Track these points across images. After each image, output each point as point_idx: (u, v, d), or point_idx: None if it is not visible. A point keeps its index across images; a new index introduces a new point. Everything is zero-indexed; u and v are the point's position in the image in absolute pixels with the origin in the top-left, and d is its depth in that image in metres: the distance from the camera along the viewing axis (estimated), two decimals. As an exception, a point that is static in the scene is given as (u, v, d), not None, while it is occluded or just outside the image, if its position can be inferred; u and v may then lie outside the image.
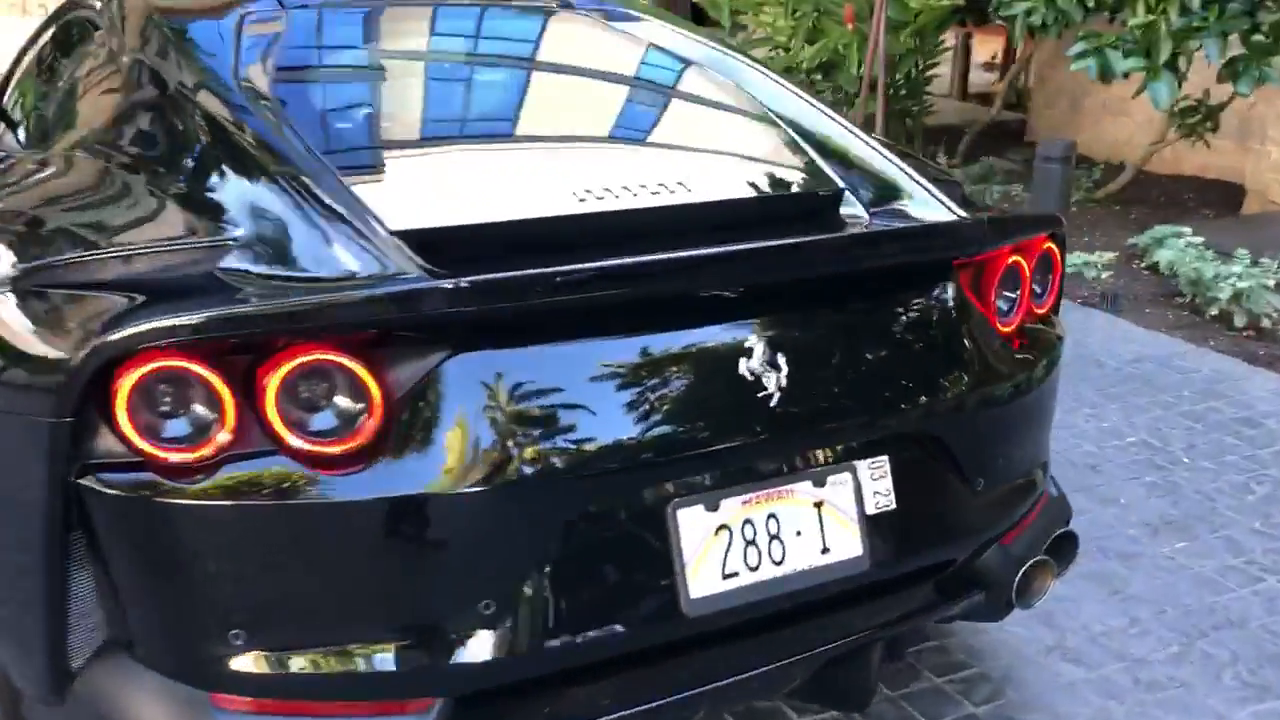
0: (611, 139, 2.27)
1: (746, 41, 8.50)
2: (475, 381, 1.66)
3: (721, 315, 1.84)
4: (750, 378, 1.80)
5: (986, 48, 12.68)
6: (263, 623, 1.61)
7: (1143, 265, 5.92)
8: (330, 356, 1.59)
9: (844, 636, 1.98)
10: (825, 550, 1.91)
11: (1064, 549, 2.35)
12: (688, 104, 2.49)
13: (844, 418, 1.92)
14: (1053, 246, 2.33)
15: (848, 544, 1.93)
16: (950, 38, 11.69)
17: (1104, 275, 5.53)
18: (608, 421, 1.72)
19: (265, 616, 1.62)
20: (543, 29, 2.58)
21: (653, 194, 1.96)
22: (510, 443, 1.65)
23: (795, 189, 2.17)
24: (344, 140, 2.07)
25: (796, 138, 2.33)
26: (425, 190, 1.96)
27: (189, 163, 1.97)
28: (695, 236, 1.85)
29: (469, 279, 1.61)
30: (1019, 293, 2.23)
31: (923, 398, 2.00)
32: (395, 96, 2.25)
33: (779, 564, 1.87)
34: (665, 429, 1.76)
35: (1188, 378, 4.55)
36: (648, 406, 1.75)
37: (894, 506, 1.98)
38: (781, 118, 2.40)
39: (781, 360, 1.83)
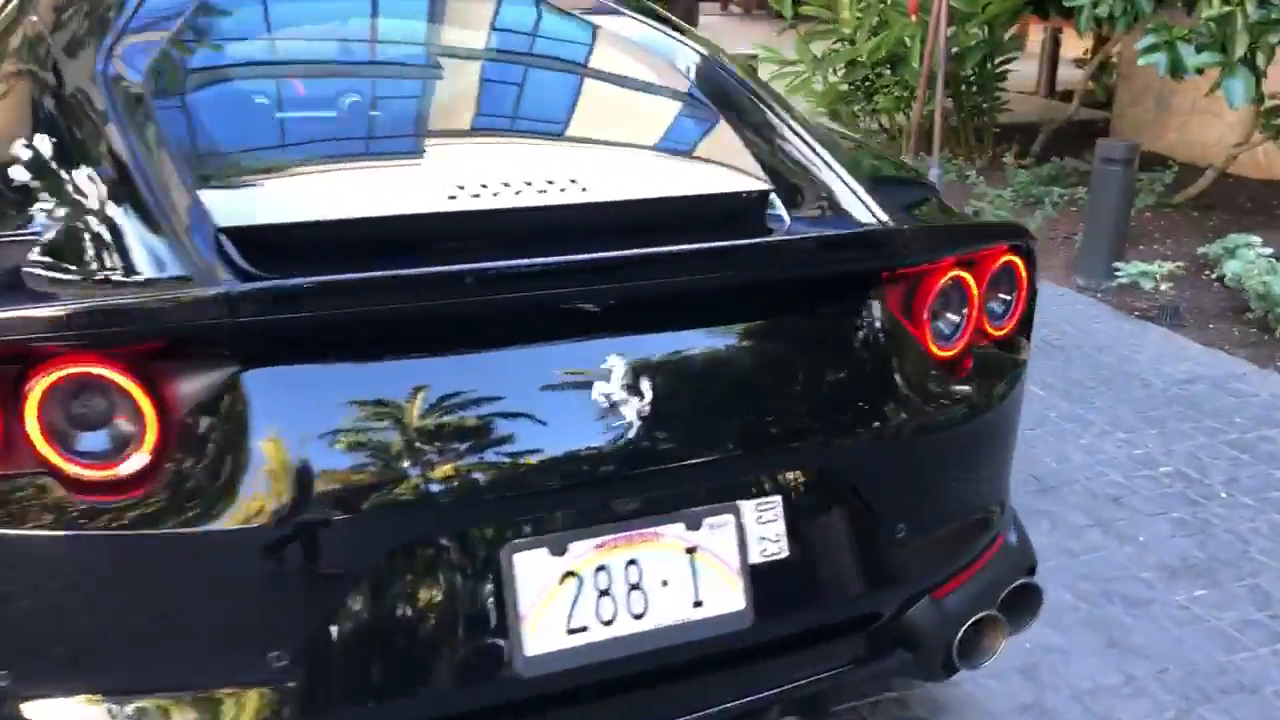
0: (512, 131, 2.05)
1: (810, 34, 8.19)
2: (273, 402, 1.46)
3: (581, 331, 1.62)
4: (608, 404, 1.57)
5: (1079, 43, 12.11)
6: (22, 663, 1.44)
7: (1213, 276, 5.49)
8: (98, 369, 1.40)
9: (726, 701, 1.74)
10: (698, 603, 1.67)
11: (1022, 603, 2.06)
12: (611, 94, 2.26)
13: (726, 452, 1.67)
14: (1016, 260, 2.04)
15: (727, 596, 1.69)
16: (1037, 32, 11.21)
17: (1163, 286, 5.12)
18: (430, 450, 1.51)
19: (25, 656, 1.44)
20: (458, 8, 2.37)
21: (540, 192, 1.74)
22: (311, 472, 1.45)
23: (705, 190, 1.92)
24: (211, 129, 1.88)
25: (730, 133, 2.08)
26: (287, 184, 1.76)
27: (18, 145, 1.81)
28: (568, 240, 1.63)
29: (254, 284, 1.42)
30: (965, 312, 1.96)
31: (826, 431, 1.74)
32: (279, 83, 2.06)
33: (639, 618, 1.63)
34: (501, 461, 1.54)
35: (1243, 402, 4.15)
36: (480, 434, 1.53)
37: (785, 555, 1.72)
38: (722, 110, 2.15)
39: (648, 385, 1.59)
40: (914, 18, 7.19)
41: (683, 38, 2.44)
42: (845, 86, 8.28)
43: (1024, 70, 11.20)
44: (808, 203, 1.93)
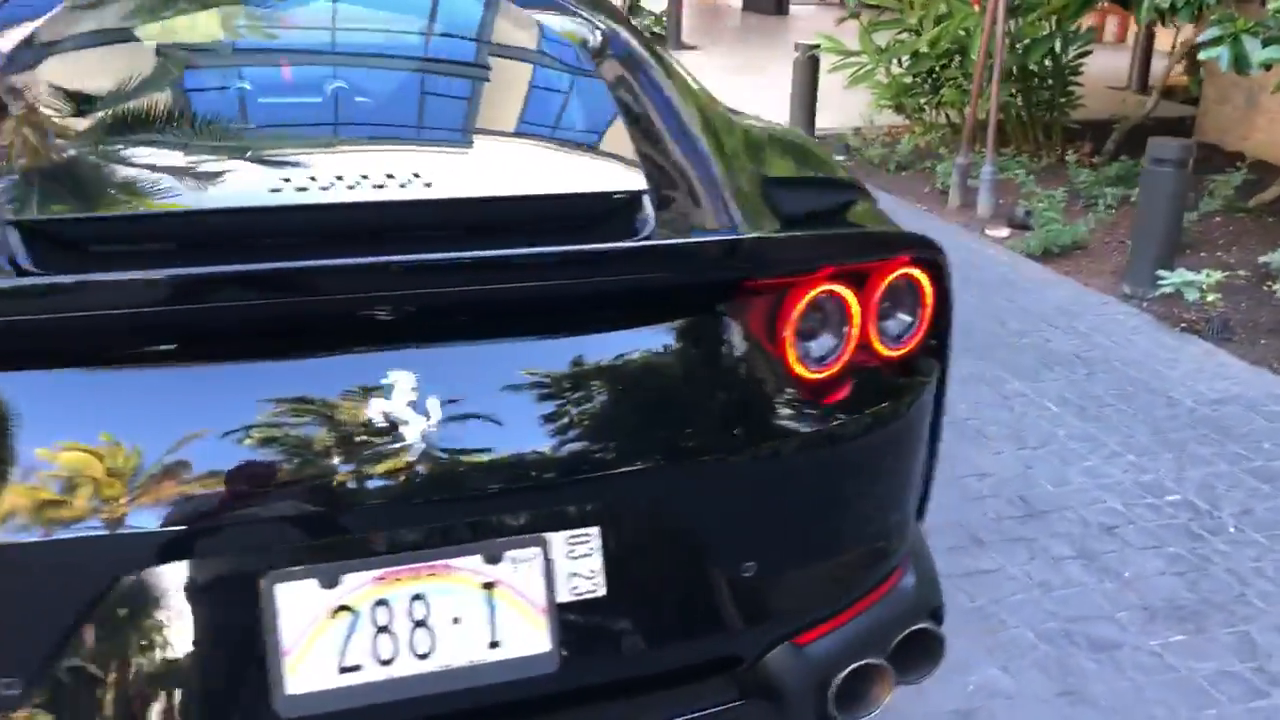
0: (361, 119, 1.91)
1: (874, 24, 7.91)
2: (12, 407, 1.36)
3: (373, 341, 1.48)
4: (388, 422, 1.44)
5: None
6: None
7: (1275, 288, 5.12)
8: None
9: (532, 752, 1.59)
10: (495, 644, 1.53)
11: (918, 651, 1.88)
12: (486, 81, 2.11)
13: (531, 478, 1.52)
14: (918, 274, 1.85)
15: (529, 638, 1.54)
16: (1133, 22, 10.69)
17: (1210, 297, 4.78)
18: (184, 468, 1.39)
19: None
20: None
21: (376, 187, 1.61)
22: (49, 486, 1.35)
23: (555, 189, 1.76)
24: (32, 113, 1.78)
25: (613, 128, 1.92)
26: (99, 174, 1.65)
27: None
28: (387, 240, 1.51)
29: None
30: (845, 331, 1.77)
31: (654, 457, 1.58)
32: (111, 68, 1.95)
33: (424, 658, 1.50)
34: (263, 482, 1.42)
35: (1276, 427, 3.83)
36: (239, 453, 1.41)
37: (601, 594, 1.57)
38: (611, 102, 1.99)
39: (439, 402, 1.45)
40: (975, 7, 6.88)
41: (594, 19, 2.28)
42: (910, 79, 7.98)
43: (1116, 63, 10.72)
44: (675, 206, 1.76)
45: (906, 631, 1.87)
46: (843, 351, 1.77)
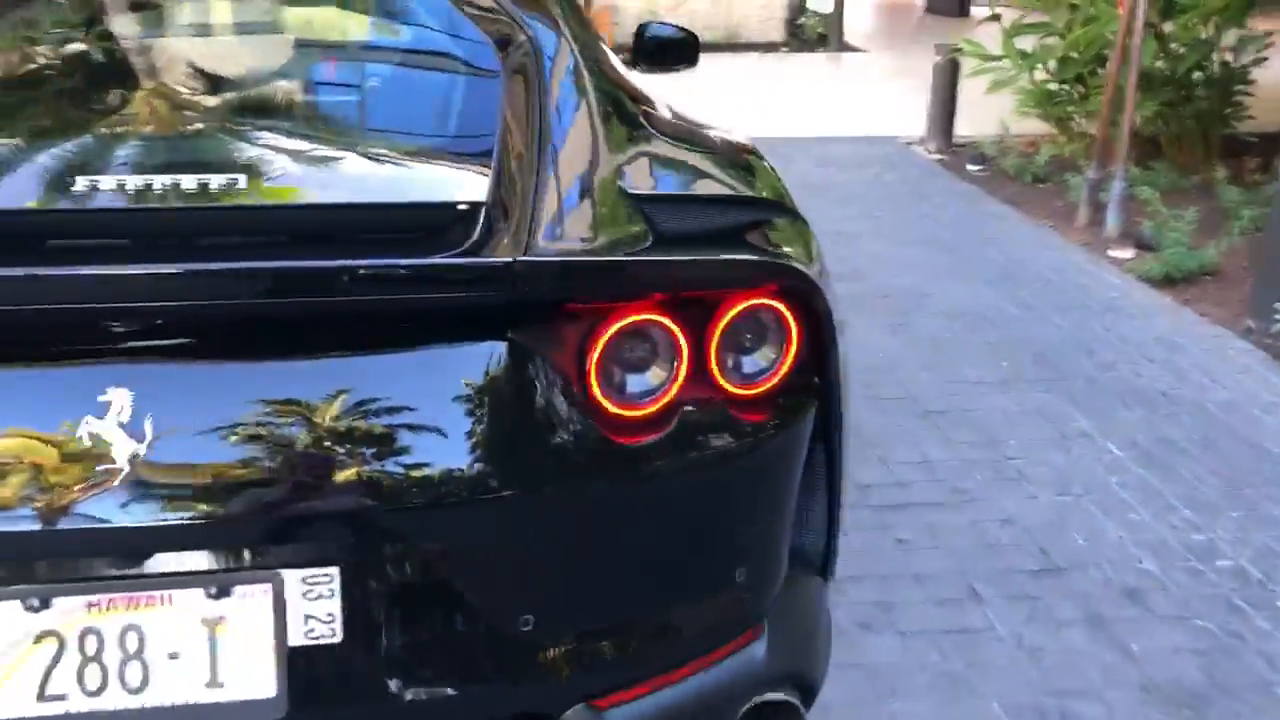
0: (193, 112, 1.83)
1: (1017, 27, 7.44)
2: None
3: (94, 355, 1.41)
4: (98, 441, 1.36)
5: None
6: None
7: None
8: None
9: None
10: (217, 684, 1.43)
11: None
12: (349, 75, 2.00)
13: (268, 510, 1.41)
14: (776, 306, 1.64)
15: (255, 680, 1.43)
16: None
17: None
18: None
19: None
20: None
21: (182, 191, 1.54)
22: None
23: (371, 198, 1.64)
24: None
25: (472, 134, 1.80)
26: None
27: None
28: (136, 249, 1.44)
29: None
30: (673, 365, 1.59)
31: (411, 494, 1.44)
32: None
33: (136, 692, 1.41)
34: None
35: (1377, 489, 3.35)
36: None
37: (339, 639, 1.45)
38: (484, 105, 1.86)
39: (165, 423, 1.37)
40: (1121, 10, 6.36)
41: (512, 12, 2.13)
42: (1055, 85, 7.48)
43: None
44: (503, 222, 1.62)
45: (752, 703, 1.68)
46: (668, 387, 1.59)
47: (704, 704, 1.65)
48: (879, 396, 3.88)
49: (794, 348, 1.66)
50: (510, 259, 1.48)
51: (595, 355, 1.53)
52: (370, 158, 1.81)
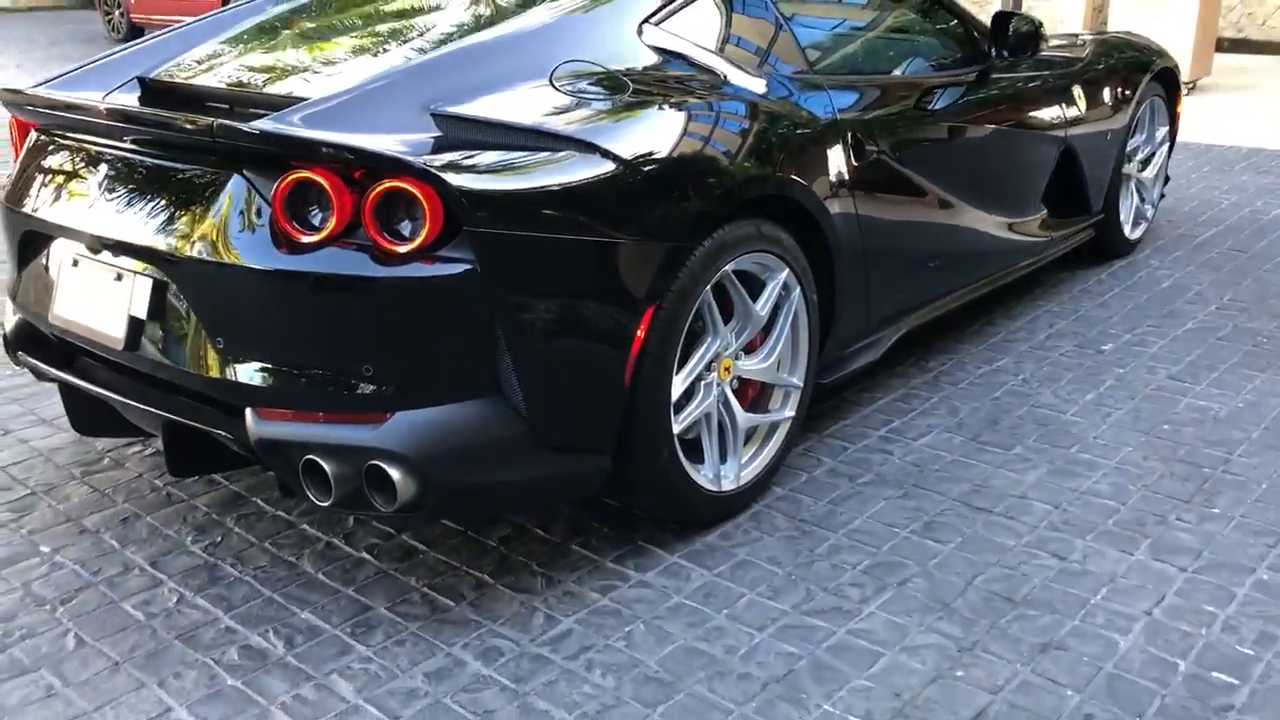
0: None
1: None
2: None
3: None
4: None
5: None
6: None
7: None
8: None
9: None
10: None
11: (373, 486, 2.26)
12: None
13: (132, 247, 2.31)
14: (410, 189, 2.10)
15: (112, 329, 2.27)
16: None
17: None
18: None
19: None
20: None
21: None
22: None
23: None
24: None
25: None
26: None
27: None
28: None
29: None
30: (332, 213, 2.16)
31: (174, 247, 2.27)
32: None
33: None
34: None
35: None
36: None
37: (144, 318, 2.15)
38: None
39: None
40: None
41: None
42: None
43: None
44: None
45: (368, 465, 2.18)
46: (333, 228, 2.14)
47: (332, 449, 2.18)
48: None
49: (428, 224, 2.10)
50: (211, 122, 2.20)
51: (280, 192, 2.16)
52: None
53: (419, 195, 2.09)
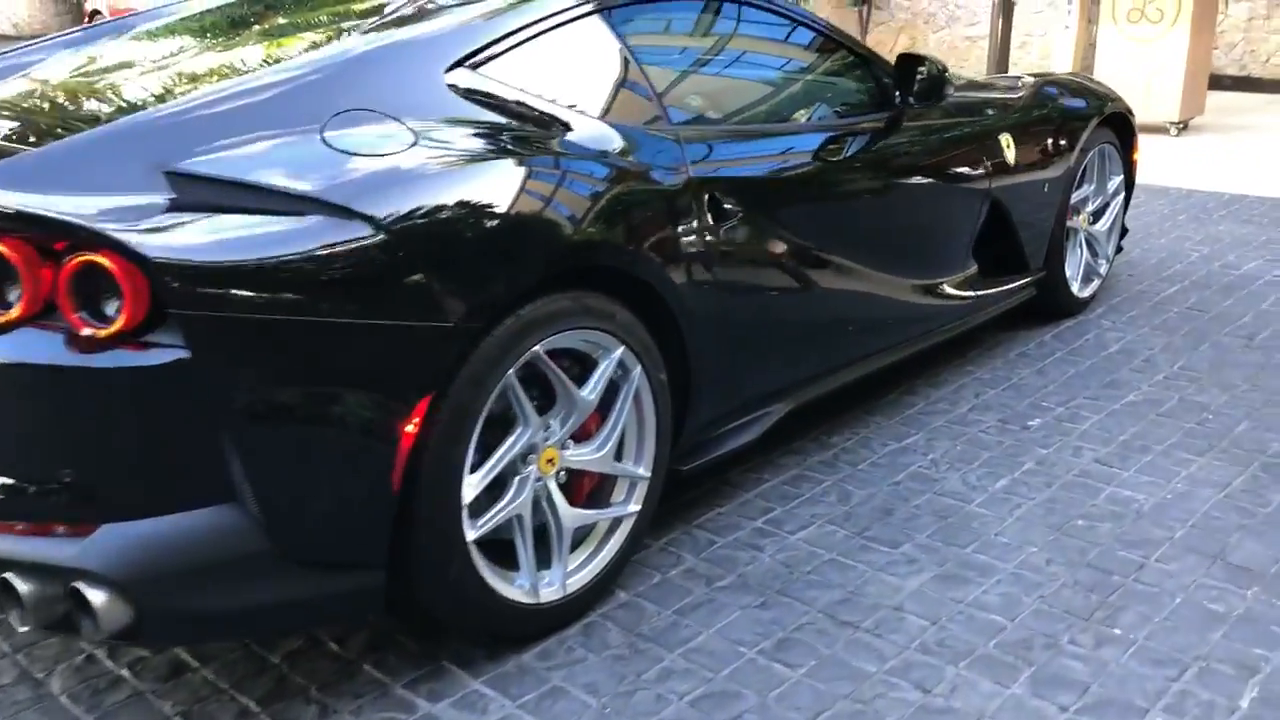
0: None
1: None
2: None
3: None
4: None
5: None
6: None
7: None
8: None
9: None
10: None
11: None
12: None
13: None
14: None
15: None
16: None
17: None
18: None
19: None
20: None
21: None
22: None
23: None
24: None
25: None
26: None
27: None
28: None
29: None
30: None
31: None
32: None
33: None
34: None
35: None
36: None
37: None
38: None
39: None
40: None
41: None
42: None
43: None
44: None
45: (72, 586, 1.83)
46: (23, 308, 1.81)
47: (28, 567, 1.82)
48: None
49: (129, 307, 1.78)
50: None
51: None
52: None
53: (114, 270, 1.77)
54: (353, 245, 1.93)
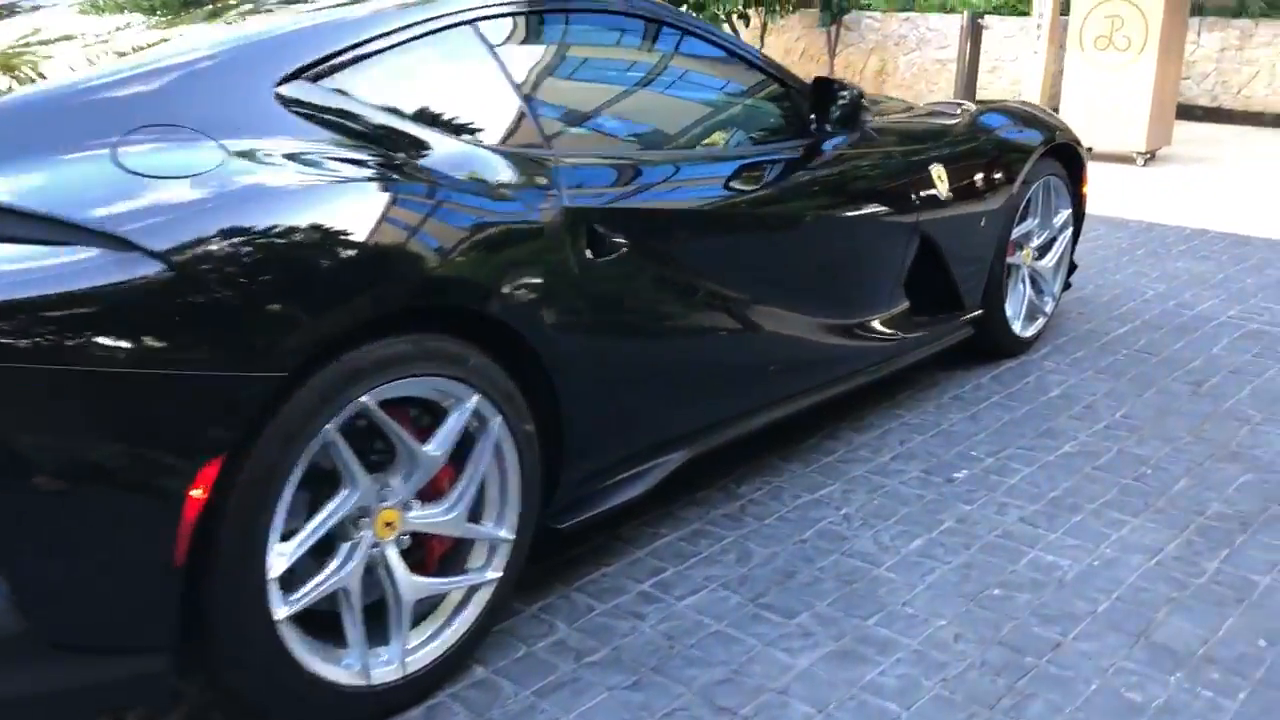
0: None
1: None
2: None
3: None
4: None
5: None
6: None
7: None
8: None
9: None
10: None
11: None
12: None
13: None
14: None
15: None
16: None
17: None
18: None
19: None
20: None
21: None
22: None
23: None
24: None
25: None
26: None
27: None
28: None
29: None
30: None
31: None
32: None
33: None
34: None
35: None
36: None
37: None
38: None
39: None
40: None
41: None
42: None
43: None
44: None
45: None
46: None
47: None
48: None
49: None
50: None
51: None
52: None
53: None
54: (132, 284, 1.67)
